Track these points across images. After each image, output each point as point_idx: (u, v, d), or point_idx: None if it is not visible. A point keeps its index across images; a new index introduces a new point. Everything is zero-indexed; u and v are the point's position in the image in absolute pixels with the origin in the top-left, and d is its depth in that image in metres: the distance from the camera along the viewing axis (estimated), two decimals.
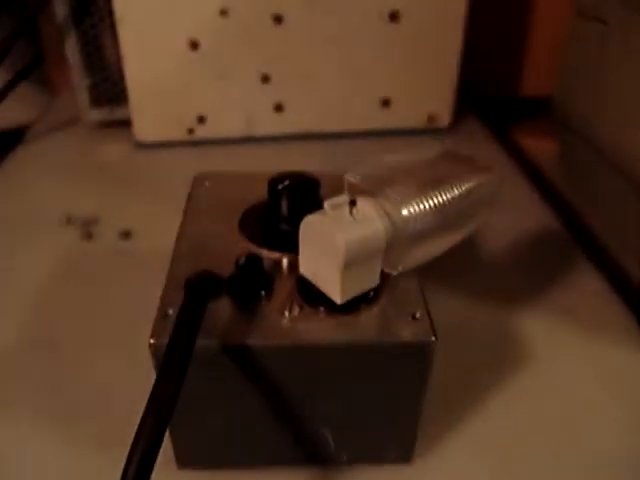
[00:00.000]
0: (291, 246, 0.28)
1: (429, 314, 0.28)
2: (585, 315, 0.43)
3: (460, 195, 0.29)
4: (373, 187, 0.28)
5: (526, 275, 0.48)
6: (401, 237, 0.27)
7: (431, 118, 0.66)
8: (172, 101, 0.62)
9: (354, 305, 0.28)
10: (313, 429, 0.29)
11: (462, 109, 0.70)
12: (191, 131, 0.63)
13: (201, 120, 0.63)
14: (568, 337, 0.41)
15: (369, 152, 0.65)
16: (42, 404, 0.36)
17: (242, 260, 0.28)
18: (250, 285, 0.28)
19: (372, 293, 0.28)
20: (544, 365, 0.39)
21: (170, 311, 0.27)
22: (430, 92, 0.65)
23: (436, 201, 0.28)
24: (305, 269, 0.28)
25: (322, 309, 0.28)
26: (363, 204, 0.27)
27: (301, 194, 0.31)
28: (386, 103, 0.64)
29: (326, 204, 0.26)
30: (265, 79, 0.62)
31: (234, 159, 0.62)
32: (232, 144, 0.64)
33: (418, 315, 0.28)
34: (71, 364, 0.39)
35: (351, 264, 0.26)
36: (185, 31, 0.59)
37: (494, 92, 0.80)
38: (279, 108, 0.63)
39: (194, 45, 0.59)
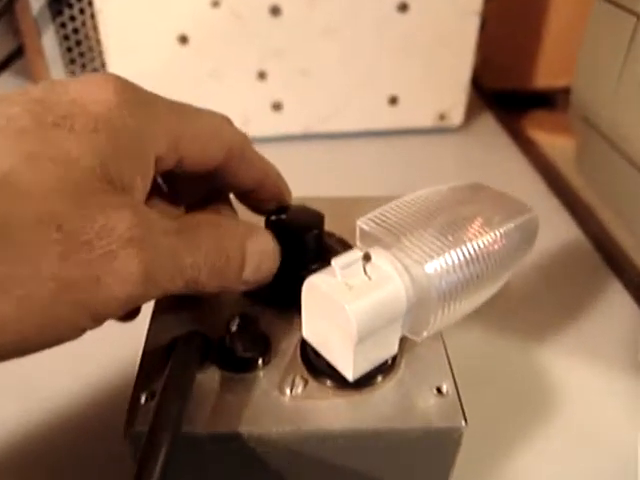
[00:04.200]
0: (293, 301, 0.24)
1: (457, 387, 0.23)
2: (611, 343, 0.39)
3: (494, 242, 0.24)
4: (390, 236, 0.23)
5: (547, 298, 0.43)
6: (425, 298, 0.22)
7: (442, 116, 0.61)
8: None
9: (368, 379, 0.23)
10: None
11: (474, 105, 0.65)
12: None
13: None
14: (596, 373, 0.37)
15: (375, 153, 0.60)
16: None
17: (234, 323, 0.24)
18: (244, 352, 0.24)
19: (389, 361, 0.24)
20: (573, 409, 0.35)
21: (150, 388, 0.23)
22: (441, 89, 0.60)
23: (466, 251, 0.23)
24: (310, 336, 0.24)
25: (330, 384, 0.23)
26: (379, 259, 0.23)
27: (303, 237, 0.27)
28: (393, 101, 0.59)
29: (334, 263, 0.22)
30: (262, 76, 0.56)
31: None
32: None
33: (444, 389, 0.23)
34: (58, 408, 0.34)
35: (366, 337, 0.21)
36: (173, 24, 0.53)
37: (505, 84, 0.75)
38: (277, 107, 0.58)
39: (183, 39, 0.54)
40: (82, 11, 0.56)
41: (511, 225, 0.25)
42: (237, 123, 0.59)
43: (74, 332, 0.18)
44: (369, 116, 0.60)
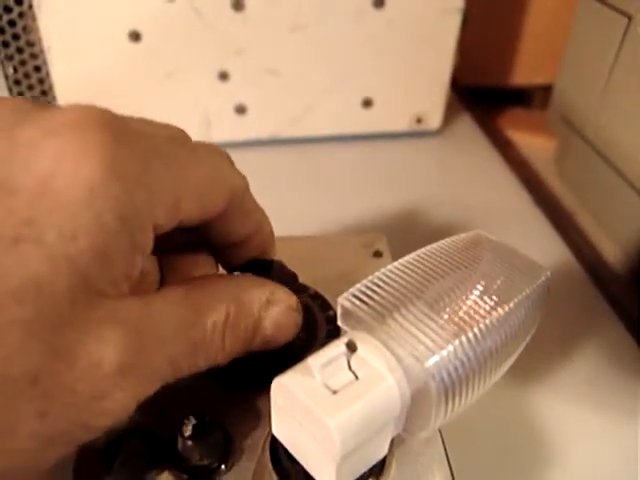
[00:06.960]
0: (260, 382, 0.20)
1: None
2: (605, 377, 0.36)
3: (504, 316, 0.20)
4: (377, 317, 0.19)
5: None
6: (423, 394, 0.18)
7: (419, 120, 0.57)
8: (110, 103, 0.51)
9: None
10: None
11: (451, 105, 0.61)
12: None
13: None
14: (593, 417, 0.34)
15: (348, 160, 0.56)
16: None
17: (189, 425, 0.19)
18: (201, 461, 0.19)
19: (378, 463, 0.20)
20: (570, 460, 0.32)
21: None
22: (419, 90, 0.55)
23: (471, 334, 0.19)
24: (281, 436, 0.19)
25: None
26: (366, 349, 0.18)
27: None
28: (368, 103, 0.55)
29: (312, 362, 0.17)
30: (223, 76, 0.51)
31: None
32: None
33: None
34: None
35: (351, 452, 0.17)
36: (123, 18, 0.48)
37: (482, 81, 0.71)
38: (241, 110, 0.53)
39: (135, 36, 0.48)
40: (19, 1, 0.49)
41: (523, 293, 0.21)
42: (197, 128, 0.54)
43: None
44: (341, 120, 0.56)
